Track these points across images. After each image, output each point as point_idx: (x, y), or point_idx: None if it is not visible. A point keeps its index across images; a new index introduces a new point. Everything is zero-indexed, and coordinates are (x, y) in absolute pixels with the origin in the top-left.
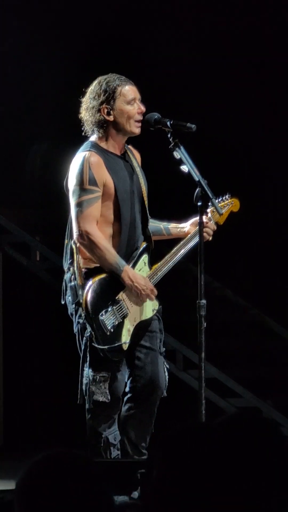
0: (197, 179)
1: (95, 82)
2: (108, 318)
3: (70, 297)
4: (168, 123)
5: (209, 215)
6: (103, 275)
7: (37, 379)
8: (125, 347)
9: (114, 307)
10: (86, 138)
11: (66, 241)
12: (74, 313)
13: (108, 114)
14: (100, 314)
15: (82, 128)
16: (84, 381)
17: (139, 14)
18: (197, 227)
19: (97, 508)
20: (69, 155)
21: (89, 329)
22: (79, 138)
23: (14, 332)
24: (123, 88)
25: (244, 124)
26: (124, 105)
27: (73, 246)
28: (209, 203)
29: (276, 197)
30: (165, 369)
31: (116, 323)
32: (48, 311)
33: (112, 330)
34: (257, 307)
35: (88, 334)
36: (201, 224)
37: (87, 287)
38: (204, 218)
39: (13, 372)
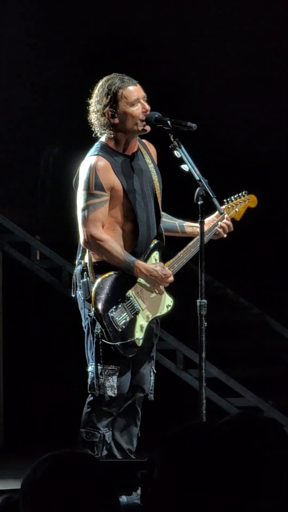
0: (197, 178)
1: (99, 84)
2: (118, 315)
3: (79, 292)
4: (169, 122)
5: (224, 212)
6: (111, 272)
7: (38, 379)
8: (138, 343)
9: (125, 304)
10: (96, 139)
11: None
12: (83, 307)
13: (113, 117)
14: (110, 311)
15: (92, 129)
16: (91, 374)
17: (143, 12)
18: (211, 225)
19: (103, 508)
20: (75, 157)
21: (99, 326)
22: (90, 139)
23: (14, 331)
24: (125, 90)
25: (245, 123)
26: (127, 107)
27: None
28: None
29: (278, 196)
30: (152, 373)
31: (128, 319)
32: (48, 310)
33: (124, 326)
34: (258, 307)
35: (98, 331)
36: (201, 223)
37: (96, 285)
38: (226, 214)
39: (13, 373)
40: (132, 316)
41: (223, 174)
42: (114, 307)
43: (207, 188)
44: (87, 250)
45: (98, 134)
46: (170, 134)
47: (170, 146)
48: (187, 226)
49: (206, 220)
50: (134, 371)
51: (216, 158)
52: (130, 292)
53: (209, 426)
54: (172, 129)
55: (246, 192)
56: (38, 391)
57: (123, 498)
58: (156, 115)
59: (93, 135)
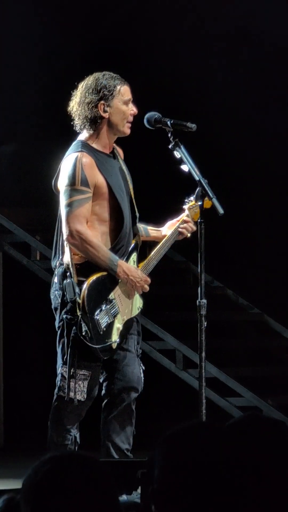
0: (197, 178)
1: (91, 77)
2: (102, 318)
3: (57, 292)
4: (169, 122)
5: (186, 212)
6: (98, 274)
7: (38, 378)
8: (114, 346)
9: (108, 306)
10: (74, 134)
11: (55, 238)
12: (59, 307)
13: (104, 111)
14: (96, 313)
15: (72, 123)
16: (61, 376)
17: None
18: (174, 228)
19: (104, 508)
20: (56, 154)
21: (84, 328)
22: (67, 136)
23: (14, 331)
24: (122, 87)
25: (245, 124)
26: (121, 104)
27: (66, 244)
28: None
29: (277, 196)
30: (141, 370)
31: (109, 322)
32: (48, 310)
33: (104, 329)
34: (257, 307)
35: (83, 333)
36: (201, 224)
37: (84, 286)
38: (185, 217)
39: (13, 372)
40: (112, 319)
41: (224, 173)
42: (99, 309)
43: (207, 188)
44: (65, 251)
45: (78, 127)
46: (170, 135)
47: (170, 147)
48: (151, 230)
49: (169, 223)
50: (123, 371)
51: (216, 157)
52: (113, 295)
53: (209, 426)
54: (172, 129)
55: (192, 199)
56: (38, 390)
57: (124, 497)
58: (156, 116)
59: (74, 128)
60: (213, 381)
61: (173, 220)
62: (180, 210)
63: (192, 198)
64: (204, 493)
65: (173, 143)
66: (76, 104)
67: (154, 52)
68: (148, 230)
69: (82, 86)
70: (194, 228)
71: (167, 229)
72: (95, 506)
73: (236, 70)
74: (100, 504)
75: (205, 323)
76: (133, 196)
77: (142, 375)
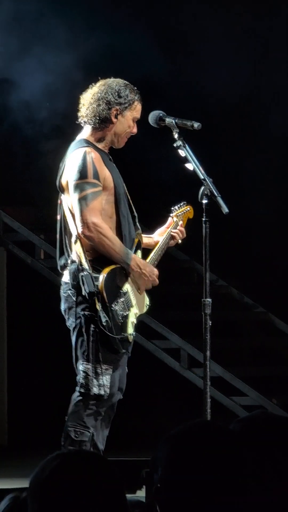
0: (202, 177)
1: (116, 80)
2: (119, 309)
3: (69, 291)
4: (173, 121)
5: (175, 219)
6: (113, 266)
7: (42, 378)
8: (130, 339)
9: (123, 299)
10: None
11: (59, 238)
12: (75, 306)
13: (115, 117)
14: (114, 304)
15: (78, 108)
16: (83, 373)
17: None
18: (166, 233)
19: (111, 506)
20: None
21: (105, 318)
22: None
23: (19, 330)
24: (138, 104)
25: (249, 122)
26: (130, 119)
27: (75, 241)
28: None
29: (282, 195)
30: (125, 372)
31: (125, 314)
32: (53, 309)
33: (122, 320)
34: (262, 305)
35: (104, 324)
36: (206, 223)
37: (101, 277)
38: (176, 219)
39: (18, 371)
40: (128, 312)
41: (229, 172)
42: (116, 301)
43: (212, 187)
44: (74, 248)
45: (83, 120)
46: (174, 133)
47: (174, 145)
48: (144, 237)
49: (159, 231)
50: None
51: (221, 156)
52: (126, 288)
53: (214, 425)
54: (177, 128)
55: (185, 203)
56: (42, 389)
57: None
58: (161, 114)
59: (78, 120)
60: (218, 380)
61: (162, 228)
62: (167, 218)
63: (176, 207)
64: (208, 492)
65: (178, 142)
66: (92, 96)
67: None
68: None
69: (104, 83)
70: (185, 234)
71: (158, 235)
72: (103, 504)
73: (238, 67)
74: (107, 501)
75: (210, 322)
76: (129, 197)
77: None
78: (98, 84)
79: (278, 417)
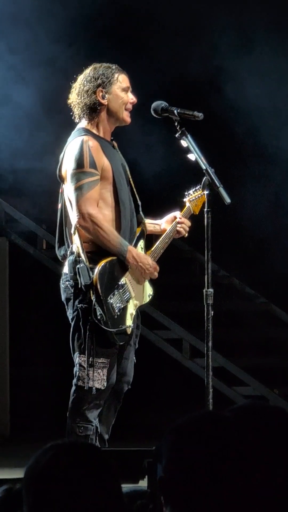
0: (204, 167)
1: (90, 68)
2: (115, 302)
3: (67, 282)
4: (175, 111)
5: (188, 205)
6: (109, 259)
7: (44, 368)
8: (129, 331)
9: (120, 291)
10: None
11: (59, 228)
12: (73, 298)
13: (103, 97)
14: (109, 297)
15: (71, 113)
16: (79, 366)
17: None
18: (172, 225)
19: (106, 497)
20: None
21: (99, 311)
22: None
23: (21, 320)
24: (120, 75)
25: (253, 111)
26: (119, 91)
27: (74, 232)
28: (186, 195)
29: (284, 185)
30: (133, 363)
31: (122, 306)
32: (55, 299)
33: (118, 313)
34: (264, 296)
35: (98, 317)
36: (208, 213)
37: (96, 270)
38: (179, 214)
39: (19, 362)
40: (125, 304)
41: (230, 162)
42: (112, 293)
43: (214, 177)
44: (74, 239)
45: (78, 117)
46: (176, 124)
47: (176, 136)
48: (148, 223)
49: (167, 217)
50: (122, 364)
51: (222, 146)
52: (124, 279)
53: (217, 415)
54: (179, 118)
55: (200, 186)
56: (44, 380)
57: (130, 486)
58: (163, 105)
59: (73, 118)
60: (220, 370)
61: (170, 215)
62: (181, 203)
63: (191, 191)
64: (211, 482)
65: (180, 132)
66: (75, 95)
67: (160, 41)
68: (146, 224)
69: (80, 77)
70: (189, 224)
71: (165, 223)
72: (97, 494)
73: (242, 57)
74: (101, 492)
75: (212, 312)
76: (133, 185)
77: (132, 367)
78: (77, 80)
79: (268, 407)
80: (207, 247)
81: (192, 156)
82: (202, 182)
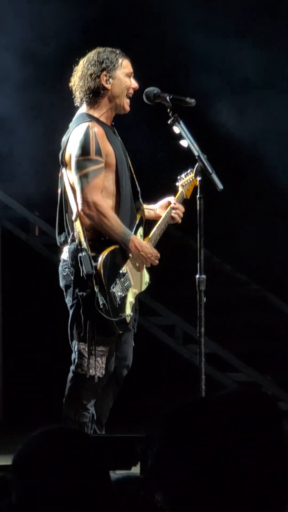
0: (196, 153)
1: (93, 52)
2: (117, 291)
3: (67, 270)
4: (168, 97)
5: (181, 190)
6: (112, 247)
7: (36, 354)
8: (128, 319)
9: (122, 279)
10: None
11: (59, 214)
12: (72, 285)
13: (107, 82)
14: (112, 286)
15: (73, 97)
16: (78, 354)
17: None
18: (167, 211)
19: (94, 484)
20: (56, 129)
21: (102, 301)
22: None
23: (13, 307)
24: (124, 60)
25: (246, 98)
26: (123, 76)
27: (75, 219)
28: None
29: (275, 170)
30: (132, 347)
31: (123, 295)
32: (47, 286)
33: (119, 302)
34: (256, 282)
35: (101, 306)
36: (200, 199)
37: (100, 259)
38: (173, 200)
39: (12, 348)
40: (126, 292)
41: (223, 149)
42: (114, 282)
43: (206, 164)
44: (75, 226)
45: (79, 100)
46: (169, 110)
47: (169, 122)
48: (145, 209)
49: (161, 202)
50: (122, 348)
51: (215, 133)
52: (125, 268)
53: (209, 402)
54: (171, 104)
55: (192, 170)
56: (36, 366)
57: (122, 472)
58: (155, 91)
59: (75, 103)
60: (213, 356)
61: (164, 200)
62: (173, 188)
63: (183, 175)
64: (202, 468)
65: (172, 119)
66: (78, 78)
67: (155, 25)
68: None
69: (83, 60)
70: (183, 210)
71: (159, 208)
72: (85, 480)
73: (236, 45)
74: (90, 478)
75: (205, 298)
76: (133, 171)
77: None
78: (79, 64)
79: (251, 393)
80: (199, 233)
81: (184, 143)
82: (195, 169)
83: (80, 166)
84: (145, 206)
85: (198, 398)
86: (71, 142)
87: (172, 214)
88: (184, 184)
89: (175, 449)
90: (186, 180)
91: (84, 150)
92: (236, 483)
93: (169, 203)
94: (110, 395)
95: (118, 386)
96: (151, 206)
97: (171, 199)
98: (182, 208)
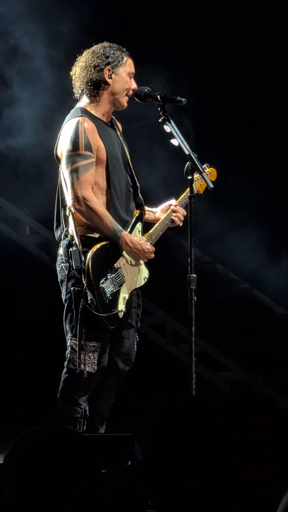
0: (187, 152)
1: (99, 45)
2: (107, 286)
3: (62, 264)
4: (159, 96)
5: (182, 196)
6: (103, 243)
7: (28, 353)
8: (121, 315)
9: (113, 275)
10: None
11: (56, 209)
12: (66, 280)
13: (109, 77)
14: (101, 282)
15: (74, 86)
16: (70, 349)
17: None
18: (167, 214)
19: (85, 482)
20: (49, 126)
21: (90, 296)
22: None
23: (3, 306)
24: (129, 59)
25: (239, 97)
26: (125, 75)
27: (68, 214)
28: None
29: (267, 170)
30: (136, 342)
31: (114, 290)
32: (38, 284)
33: (110, 298)
34: (247, 281)
35: (89, 302)
36: (191, 198)
37: (89, 254)
38: (174, 202)
39: (3, 347)
40: (118, 288)
41: (215, 147)
42: (104, 278)
43: (197, 163)
44: (69, 221)
45: (80, 91)
46: (159, 109)
47: (159, 121)
48: (148, 212)
49: (162, 206)
50: (123, 344)
51: (207, 131)
52: (118, 264)
53: (198, 401)
54: (162, 103)
55: (208, 165)
56: (27, 365)
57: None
58: (146, 90)
59: (74, 96)
60: (203, 355)
61: (166, 203)
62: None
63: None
64: (190, 467)
65: (163, 117)
66: (80, 68)
67: (150, 25)
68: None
69: (88, 52)
70: (184, 213)
71: (160, 212)
72: (77, 478)
73: (233, 43)
74: (82, 477)
75: (195, 297)
76: (132, 167)
77: (135, 347)
78: (83, 54)
79: (257, 393)
80: (190, 233)
81: (175, 142)
82: (185, 168)
83: (69, 161)
84: (146, 208)
85: (187, 397)
86: (62, 138)
87: (172, 216)
88: (195, 179)
89: (163, 448)
90: (197, 176)
91: (74, 145)
92: (227, 482)
93: (170, 206)
94: (112, 390)
95: (120, 380)
96: (152, 209)
97: (173, 201)
98: (183, 212)
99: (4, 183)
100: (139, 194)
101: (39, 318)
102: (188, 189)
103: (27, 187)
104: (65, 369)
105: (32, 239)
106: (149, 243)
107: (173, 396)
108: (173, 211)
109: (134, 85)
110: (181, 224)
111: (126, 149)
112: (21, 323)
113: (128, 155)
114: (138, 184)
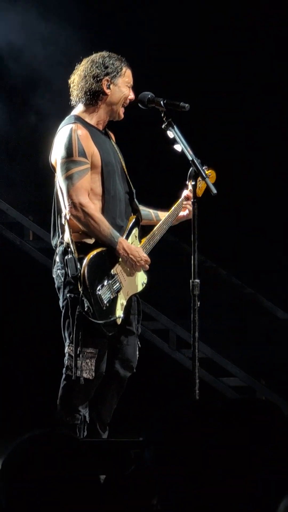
0: (190, 158)
1: (99, 54)
2: (104, 293)
3: (60, 271)
4: (162, 102)
5: (190, 187)
6: (99, 249)
7: (30, 358)
8: (119, 321)
9: (110, 282)
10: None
11: (53, 217)
12: (62, 287)
13: (108, 87)
14: (98, 289)
15: (71, 94)
16: (68, 356)
17: None
18: (177, 204)
19: (83, 488)
20: (51, 134)
21: (86, 304)
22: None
23: (7, 311)
24: (127, 70)
25: (241, 103)
26: (123, 85)
27: (64, 222)
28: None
29: (270, 175)
30: (137, 348)
31: (112, 297)
32: (41, 290)
33: (107, 304)
34: (250, 286)
35: (86, 309)
36: (194, 204)
37: (84, 262)
38: (187, 192)
39: (4, 350)
40: (115, 294)
41: (216, 152)
42: (101, 284)
43: (200, 168)
44: (65, 229)
45: (76, 99)
46: (163, 114)
47: (162, 127)
48: (161, 214)
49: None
50: (124, 350)
51: (208, 137)
52: (115, 270)
53: (202, 406)
54: (165, 109)
55: (207, 167)
56: (29, 370)
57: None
58: (149, 96)
59: (70, 102)
60: (207, 361)
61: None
62: (182, 185)
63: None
64: (199, 473)
65: (166, 123)
66: (78, 76)
67: (149, 31)
68: (159, 215)
69: (87, 60)
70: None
71: (161, 212)
72: (74, 484)
73: (231, 49)
74: (80, 483)
75: (198, 303)
76: (126, 173)
77: (137, 353)
78: (82, 63)
79: (262, 402)
80: (193, 238)
81: (178, 147)
82: (189, 173)
83: (64, 168)
84: (162, 212)
85: (192, 402)
86: (56, 145)
87: (184, 204)
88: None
89: (169, 453)
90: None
91: (68, 151)
92: (235, 485)
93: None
94: (114, 396)
95: (122, 387)
96: (152, 210)
97: (185, 192)
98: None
99: (8, 188)
100: (135, 200)
101: (42, 323)
102: (182, 198)
103: (31, 192)
104: (63, 376)
105: (35, 244)
106: (144, 253)
107: (181, 401)
108: (186, 198)
109: (132, 95)
110: (190, 215)
111: (120, 155)
112: (25, 328)
113: (122, 161)
114: (133, 190)
